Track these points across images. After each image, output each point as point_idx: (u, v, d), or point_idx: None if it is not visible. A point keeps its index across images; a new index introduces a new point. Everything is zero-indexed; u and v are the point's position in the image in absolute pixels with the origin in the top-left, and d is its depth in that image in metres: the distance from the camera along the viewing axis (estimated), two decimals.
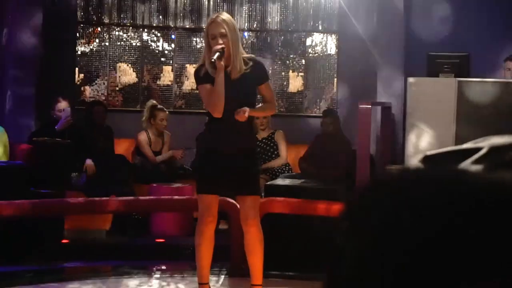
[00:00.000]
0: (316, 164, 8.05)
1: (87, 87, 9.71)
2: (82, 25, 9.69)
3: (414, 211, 0.68)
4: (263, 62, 9.54)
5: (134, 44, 9.69)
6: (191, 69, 9.21)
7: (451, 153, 0.92)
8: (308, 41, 9.62)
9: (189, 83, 9.54)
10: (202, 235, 5.10)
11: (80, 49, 9.68)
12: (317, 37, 9.61)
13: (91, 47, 9.69)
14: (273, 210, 6.35)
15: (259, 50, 9.66)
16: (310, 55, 9.63)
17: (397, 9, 8.78)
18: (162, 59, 9.71)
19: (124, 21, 9.68)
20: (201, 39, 9.26)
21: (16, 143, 8.39)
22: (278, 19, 9.62)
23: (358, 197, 0.75)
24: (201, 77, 4.98)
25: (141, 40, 9.67)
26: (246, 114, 4.87)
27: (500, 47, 8.51)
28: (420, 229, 0.67)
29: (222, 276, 6.32)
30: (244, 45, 9.62)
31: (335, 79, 9.59)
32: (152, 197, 7.77)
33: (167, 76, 9.72)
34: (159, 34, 9.69)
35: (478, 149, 0.87)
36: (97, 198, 6.99)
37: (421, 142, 6.62)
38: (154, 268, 6.98)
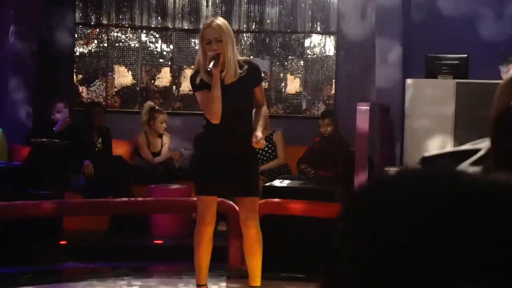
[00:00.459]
0: (315, 165, 8.05)
1: (85, 88, 9.71)
2: (80, 26, 9.69)
3: (412, 212, 0.68)
4: (261, 63, 9.62)
5: (132, 45, 9.69)
6: (189, 71, 9.21)
7: (449, 154, 0.92)
8: (307, 42, 9.62)
9: (187, 84, 9.53)
10: (201, 236, 5.10)
11: (79, 50, 9.68)
12: (315, 39, 9.62)
13: (90, 48, 9.69)
14: (272, 212, 6.35)
15: (258, 51, 9.66)
16: (309, 56, 9.63)
17: (396, 10, 8.78)
18: (161, 60, 9.71)
19: (123, 22, 9.68)
20: None
21: (14, 144, 8.39)
22: (277, 20, 9.62)
23: (356, 199, 0.75)
24: (197, 84, 4.98)
25: (140, 41, 9.67)
26: (263, 140, 4.92)
27: (498, 48, 8.51)
28: (417, 230, 0.67)
29: (221, 278, 6.31)
30: (242, 46, 9.63)
31: (334, 80, 9.59)
32: (150, 198, 7.77)
33: (165, 77, 9.72)
34: (157, 35, 9.69)
35: (476, 151, 0.87)
36: (95, 199, 6.98)
37: (419, 144, 6.62)
38: (153, 270, 6.98)
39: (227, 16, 9.58)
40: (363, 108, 6.60)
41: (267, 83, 9.63)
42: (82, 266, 6.97)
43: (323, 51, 9.61)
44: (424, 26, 8.89)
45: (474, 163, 0.85)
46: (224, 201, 6.05)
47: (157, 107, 8.88)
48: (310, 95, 9.65)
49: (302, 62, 9.63)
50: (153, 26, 9.67)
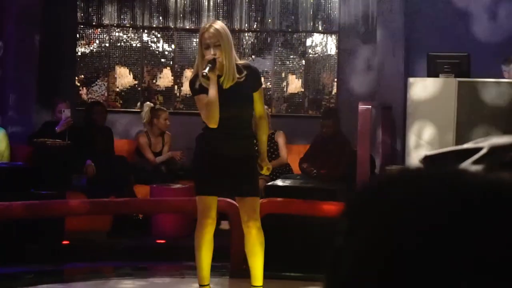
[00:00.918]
0: (316, 164, 8.05)
1: (87, 88, 9.71)
2: (82, 26, 9.69)
3: (414, 211, 0.68)
4: (263, 62, 9.62)
5: (134, 45, 9.69)
6: (190, 71, 9.20)
7: (451, 153, 0.92)
8: (308, 42, 9.62)
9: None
10: (202, 237, 5.10)
11: (80, 50, 9.68)
12: (317, 38, 9.62)
13: (91, 48, 9.69)
14: (273, 211, 6.35)
15: (259, 50, 9.66)
16: (310, 55, 9.63)
17: (397, 9, 8.78)
18: (162, 60, 9.71)
19: (124, 22, 9.68)
20: None
21: (16, 144, 8.40)
22: (278, 20, 9.62)
23: (358, 198, 0.75)
24: (196, 88, 4.98)
25: (141, 41, 9.67)
26: (269, 166, 5.18)
27: (500, 47, 8.51)
28: (420, 229, 0.67)
29: (223, 277, 6.31)
30: (244, 46, 9.63)
31: (335, 79, 9.59)
32: (152, 198, 7.78)
33: (167, 77, 9.72)
34: (159, 35, 9.69)
35: (478, 149, 0.88)
36: (97, 199, 6.99)
37: (421, 142, 6.62)
38: (155, 269, 6.98)
39: (229, 16, 9.59)
40: (365, 107, 6.60)
41: (268, 83, 9.63)
42: (85, 266, 6.98)
43: (325, 50, 9.61)
44: (426, 25, 8.88)
45: (476, 162, 0.85)
46: (227, 201, 6.05)
47: (157, 106, 8.88)
48: (311, 94, 9.64)
49: (303, 61, 9.63)
50: (154, 26, 9.67)
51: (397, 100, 8.45)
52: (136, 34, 9.68)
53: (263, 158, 5.13)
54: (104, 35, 9.69)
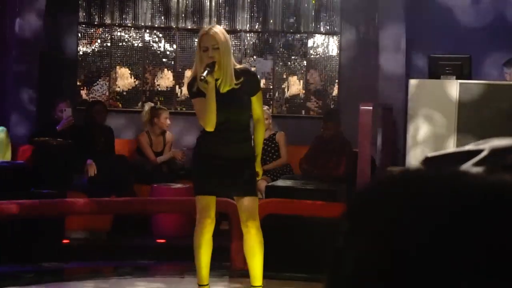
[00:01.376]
0: (317, 165, 8.05)
1: (88, 88, 9.71)
2: (84, 25, 9.70)
3: (415, 212, 0.68)
4: (264, 63, 9.62)
5: (135, 44, 9.69)
6: (191, 72, 9.20)
7: (452, 155, 0.92)
8: (310, 43, 9.62)
9: None
10: (201, 237, 5.10)
11: (82, 49, 9.69)
12: (318, 39, 9.62)
13: (93, 47, 9.69)
14: (274, 211, 6.35)
15: (261, 51, 9.66)
16: (312, 56, 9.63)
17: (399, 10, 8.78)
18: (164, 60, 9.72)
19: (126, 22, 9.69)
20: None
21: (17, 143, 8.40)
22: (280, 21, 9.62)
23: (359, 199, 0.76)
24: (194, 91, 4.99)
25: (143, 41, 9.67)
26: (260, 171, 5.19)
27: (501, 49, 8.51)
28: (421, 230, 0.67)
29: (223, 277, 6.31)
30: (245, 46, 9.63)
31: (337, 80, 9.59)
32: (153, 197, 7.78)
33: (168, 77, 9.73)
34: (160, 35, 9.69)
35: (479, 151, 0.88)
36: (98, 199, 6.99)
37: (422, 144, 6.62)
38: (155, 269, 6.98)
39: (230, 16, 9.59)
40: (366, 108, 6.60)
41: (270, 83, 9.63)
42: (85, 265, 6.98)
43: (326, 51, 9.61)
44: (427, 27, 8.88)
45: (476, 164, 0.85)
46: (227, 201, 6.05)
47: (158, 106, 8.89)
48: (313, 95, 9.64)
49: (305, 62, 9.63)
50: (156, 25, 9.67)
51: (398, 101, 8.45)
52: (138, 34, 9.68)
53: (257, 161, 5.14)
54: (106, 35, 9.70)
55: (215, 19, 9.56)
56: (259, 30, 9.65)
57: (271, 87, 9.63)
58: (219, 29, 4.97)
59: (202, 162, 5.07)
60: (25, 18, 8.99)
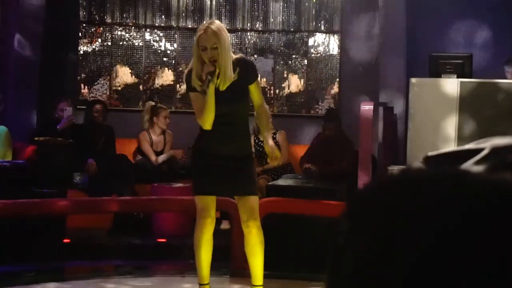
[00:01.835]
0: (318, 164, 8.05)
1: (89, 87, 9.72)
2: (84, 24, 9.70)
3: (415, 212, 0.68)
4: (265, 62, 9.62)
5: (136, 44, 9.69)
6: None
7: (453, 154, 0.92)
8: (311, 41, 9.62)
9: None
10: (201, 237, 5.10)
11: (83, 48, 9.69)
12: (319, 37, 9.62)
13: (94, 46, 9.70)
14: (275, 210, 6.35)
15: (261, 50, 9.66)
16: (313, 55, 9.63)
17: (400, 9, 8.77)
18: (164, 59, 9.72)
19: (127, 21, 9.69)
20: None
21: (18, 142, 8.40)
22: (281, 19, 9.62)
23: (360, 198, 0.75)
24: (192, 85, 4.98)
25: (144, 40, 9.68)
26: (274, 149, 5.04)
27: (502, 47, 8.51)
28: (421, 230, 0.67)
29: (224, 277, 6.31)
30: (246, 45, 9.63)
31: (337, 79, 9.59)
32: (153, 197, 7.78)
33: (169, 76, 9.73)
34: (161, 34, 9.69)
35: (480, 150, 0.87)
36: (98, 198, 6.99)
37: (423, 143, 6.62)
38: (156, 268, 6.98)
39: (231, 15, 9.59)
40: (367, 107, 6.60)
41: (270, 82, 9.63)
42: (85, 264, 6.98)
43: (327, 50, 9.60)
44: (428, 25, 8.88)
45: (477, 163, 0.85)
46: (227, 200, 6.05)
47: (158, 105, 8.89)
48: (314, 94, 9.64)
49: (306, 61, 9.63)
50: (157, 24, 9.67)
51: (399, 100, 8.45)
52: (139, 33, 9.68)
53: (266, 141, 5.05)
54: (107, 34, 9.70)
55: (216, 18, 9.56)
56: (260, 29, 9.65)
57: (272, 86, 9.62)
58: (217, 27, 4.92)
59: (201, 161, 5.06)
60: (26, 17, 8.99)
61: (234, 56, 5.05)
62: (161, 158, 8.72)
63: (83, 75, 9.72)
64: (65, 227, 7.41)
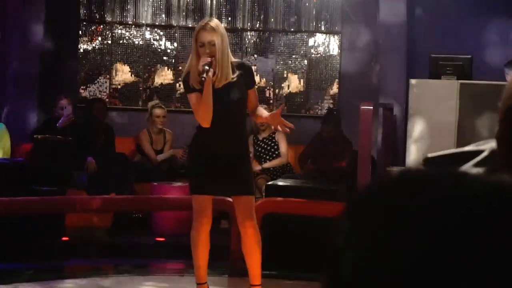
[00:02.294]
0: (317, 164, 8.05)
1: (89, 85, 9.72)
2: (84, 23, 9.70)
3: (415, 213, 0.69)
4: (265, 62, 9.62)
5: (136, 42, 9.69)
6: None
7: (452, 155, 0.92)
8: (311, 42, 9.62)
9: None
10: (198, 236, 5.09)
11: (83, 47, 9.69)
12: (319, 38, 9.62)
13: (94, 45, 9.69)
14: (274, 210, 6.35)
15: (261, 50, 9.66)
16: (313, 55, 9.63)
17: (400, 10, 8.77)
18: (164, 58, 9.72)
19: (127, 20, 9.69)
20: None
21: (17, 140, 8.40)
22: (281, 19, 9.62)
23: (359, 198, 0.76)
24: (190, 86, 4.97)
25: (144, 38, 9.68)
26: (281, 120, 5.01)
27: (502, 49, 8.51)
28: (421, 231, 0.67)
29: (222, 276, 6.31)
30: (246, 45, 9.63)
31: (337, 79, 9.59)
32: (152, 195, 7.78)
33: (169, 75, 9.73)
34: (161, 33, 9.69)
35: (479, 152, 0.88)
36: (97, 196, 6.99)
37: (422, 144, 6.62)
38: (154, 267, 6.98)
39: (231, 15, 9.59)
40: (367, 107, 6.60)
41: (270, 82, 9.63)
42: (84, 262, 6.98)
43: (327, 50, 9.61)
44: (428, 27, 8.88)
45: (477, 165, 0.85)
46: (226, 199, 6.05)
47: (156, 104, 8.87)
48: (313, 94, 9.65)
49: (306, 61, 9.63)
50: (157, 23, 9.67)
51: (399, 101, 8.45)
52: (139, 32, 9.68)
53: (261, 114, 5.08)
54: (107, 32, 9.70)
55: (216, 17, 9.56)
56: (260, 28, 9.65)
57: (272, 86, 9.62)
58: (216, 24, 4.94)
59: (198, 160, 5.06)
60: (26, 15, 8.99)
61: (234, 60, 5.06)
62: (161, 157, 8.72)
63: (83, 74, 9.71)
64: (64, 226, 7.41)
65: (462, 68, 6.93)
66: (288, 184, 7.09)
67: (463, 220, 0.67)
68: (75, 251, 7.12)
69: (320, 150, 8.17)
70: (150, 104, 8.86)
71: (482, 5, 8.79)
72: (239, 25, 9.58)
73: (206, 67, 4.81)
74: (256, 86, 5.19)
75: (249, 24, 9.63)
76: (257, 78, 9.50)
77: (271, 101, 9.58)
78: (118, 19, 9.68)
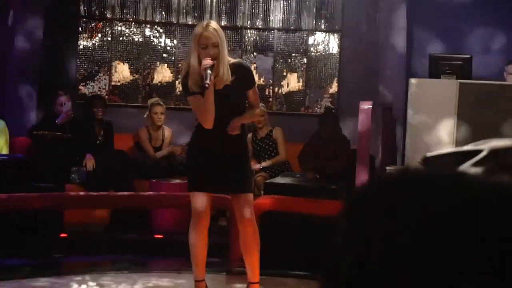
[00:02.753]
0: (315, 161, 8.05)
1: (88, 82, 9.71)
2: (84, 19, 9.69)
3: (413, 212, 0.69)
4: (265, 60, 9.61)
5: (136, 39, 9.69)
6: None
7: (451, 154, 0.93)
8: (310, 40, 9.61)
9: None
10: (196, 234, 5.09)
11: (82, 43, 9.68)
12: (319, 36, 9.61)
13: (93, 41, 9.69)
14: (273, 208, 6.35)
15: (261, 48, 9.65)
16: (312, 54, 9.63)
17: (400, 9, 8.77)
18: (164, 55, 9.71)
19: (127, 17, 9.68)
20: None
21: (16, 136, 8.40)
22: (281, 18, 9.62)
23: (357, 197, 0.76)
24: (189, 89, 4.96)
25: (143, 35, 9.67)
26: (237, 129, 4.96)
27: (501, 49, 8.51)
28: (419, 230, 0.67)
29: (220, 273, 6.32)
30: (246, 43, 9.62)
31: (337, 78, 9.59)
32: (151, 192, 7.78)
33: (168, 72, 9.72)
34: (161, 30, 9.69)
35: (478, 152, 0.88)
36: (96, 193, 6.99)
37: (421, 143, 6.62)
38: (153, 264, 6.98)
39: (231, 13, 9.58)
40: (366, 106, 6.60)
41: (270, 80, 9.63)
42: (83, 259, 6.98)
43: (327, 49, 9.60)
44: (428, 26, 8.88)
45: (475, 164, 0.86)
46: (224, 197, 6.05)
47: (155, 101, 8.86)
48: (313, 92, 9.64)
49: (305, 59, 9.63)
50: (157, 21, 9.67)
51: (398, 100, 8.45)
52: (139, 29, 9.67)
53: (234, 120, 5.00)
54: (107, 29, 9.69)
55: (216, 15, 9.56)
56: (260, 26, 9.64)
57: (271, 84, 9.62)
58: (216, 25, 4.95)
59: (197, 158, 5.06)
60: (26, 11, 8.99)
61: (232, 60, 5.05)
62: (160, 154, 8.72)
63: (82, 70, 9.71)
64: (63, 222, 7.41)
65: (462, 67, 6.92)
66: (287, 182, 7.09)
67: (462, 220, 0.67)
68: (74, 248, 7.12)
69: (318, 149, 8.17)
70: (149, 101, 8.86)
71: (482, 5, 8.79)
72: (239, 23, 9.58)
73: (209, 71, 4.79)
74: (255, 85, 5.17)
75: (248, 22, 9.63)
76: (256, 76, 9.50)
77: (270, 99, 9.58)
78: (118, 16, 9.67)
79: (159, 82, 9.71)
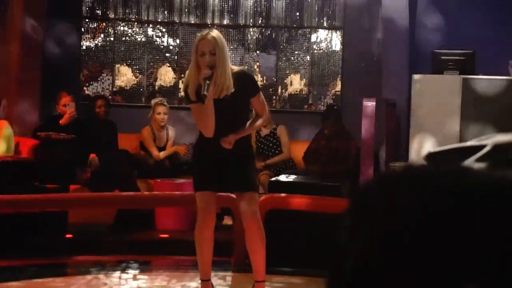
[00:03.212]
0: (320, 160, 8.05)
1: (91, 82, 9.72)
2: (87, 20, 9.69)
3: (417, 208, 0.69)
4: (267, 58, 9.61)
5: (139, 39, 9.69)
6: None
7: (455, 150, 0.92)
8: (313, 37, 9.61)
9: None
10: (202, 234, 5.10)
11: (85, 44, 9.69)
12: (322, 34, 9.61)
13: (96, 42, 9.69)
14: (277, 206, 6.35)
15: (264, 46, 9.65)
16: (315, 51, 9.62)
17: (402, 5, 8.76)
18: (167, 54, 9.71)
19: (129, 17, 9.68)
20: None
21: (20, 137, 8.41)
22: (283, 15, 9.61)
23: (361, 195, 0.76)
24: (191, 98, 4.96)
25: (146, 35, 9.67)
26: (231, 144, 4.93)
27: (505, 44, 8.49)
28: (423, 227, 0.67)
29: (226, 272, 6.32)
30: (248, 41, 9.62)
31: (340, 75, 9.58)
32: (155, 192, 7.78)
33: (171, 71, 9.73)
34: (164, 30, 9.69)
35: (482, 147, 0.88)
36: (101, 193, 7.00)
37: (425, 139, 6.62)
38: (158, 263, 6.99)
39: (234, 11, 9.58)
40: (369, 103, 6.59)
41: (273, 78, 9.62)
42: (88, 259, 6.98)
43: (330, 46, 9.60)
44: (431, 21, 8.87)
45: (479, 159, 0.85)
46: (229, 196, 6.05)
47: (158, 101, 8.86)
48: (316, 90, 9.64)
49: (308, 57, 9.62)
50: (159, 20, 9.67)
51: (402, 96, 8.43)
52: (141, 29, 9.68)
53: (228, 136, 4.96)
54: (109, 29, 9.70)
55: (218, 14, 9.56)
56: (262, 25, 9.64)
57: (274, 82, 9.62)
58: (217, 34, 4.95)
59: (202, 158, 5.07)
60: (28, 12, 8.99)
61: (235, 69, 5.04)
62: (164, 153, 8.72)
63: (85, 71, 9.72)
64: (67, 222, 7.41)
65: (465, 63, 6.92)
66: (291, 180, 7.09)
67: (466, 217, 0.67)
68: (78, 248, 7.13)
69: (322, 147, 8.16)
70: (153, 101, 8.86)
71: (484, 0, 8.77)
72: (241, 21, 9.57)
73: (207, 81, 4.80)
74: (259, 93, 5.15)
75: (251, 20, 9.62)
76: (259, 75, 9.51)
77: (274, 98, 9.58)
78: (121, 16, 9.68)
79: (162, 81, 9.72)
